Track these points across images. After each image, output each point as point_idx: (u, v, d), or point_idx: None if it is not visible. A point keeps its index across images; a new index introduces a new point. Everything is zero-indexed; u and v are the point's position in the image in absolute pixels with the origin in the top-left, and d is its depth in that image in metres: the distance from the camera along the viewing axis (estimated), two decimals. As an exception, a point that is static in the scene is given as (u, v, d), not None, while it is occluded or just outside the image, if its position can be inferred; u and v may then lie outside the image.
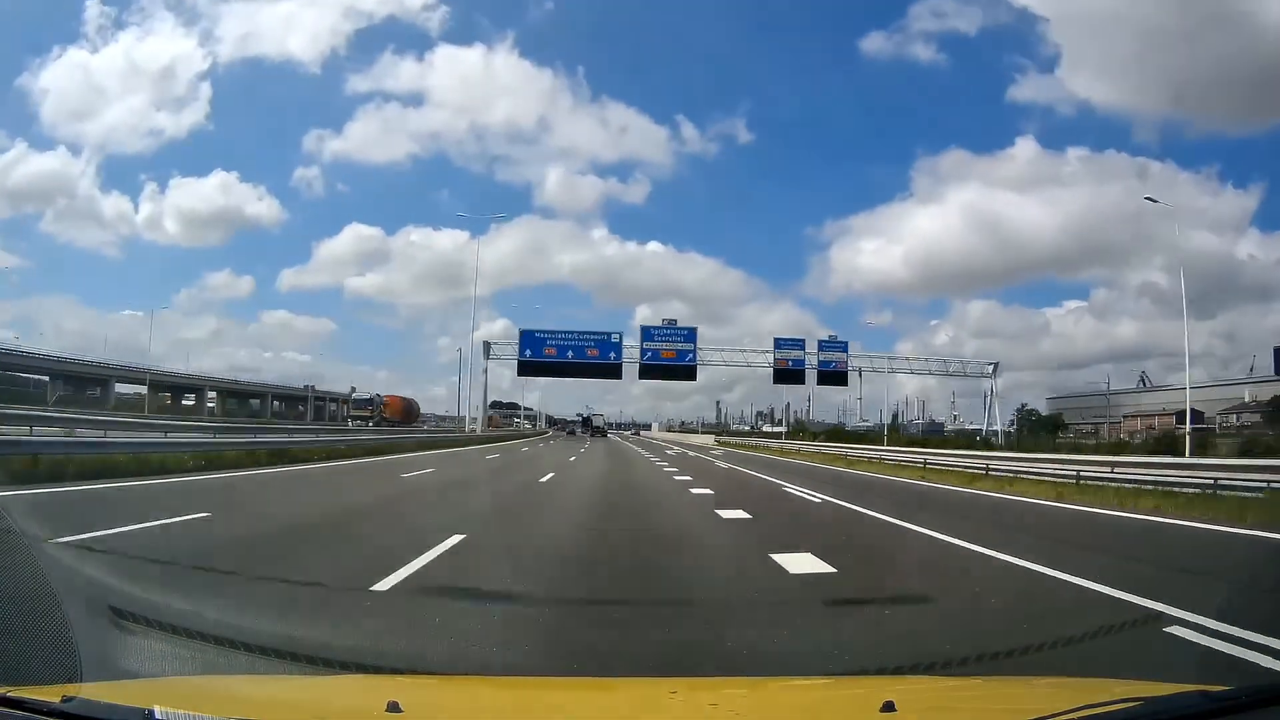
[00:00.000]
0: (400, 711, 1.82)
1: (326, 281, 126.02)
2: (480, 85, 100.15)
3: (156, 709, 1.66)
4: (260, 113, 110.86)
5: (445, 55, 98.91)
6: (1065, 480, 16.81)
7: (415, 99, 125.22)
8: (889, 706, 1.82)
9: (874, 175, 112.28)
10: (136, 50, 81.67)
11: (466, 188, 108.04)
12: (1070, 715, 1.69)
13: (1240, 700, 1.77)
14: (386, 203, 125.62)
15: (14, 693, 1.80)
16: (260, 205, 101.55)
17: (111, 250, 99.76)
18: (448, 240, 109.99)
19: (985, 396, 61.80)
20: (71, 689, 1.87)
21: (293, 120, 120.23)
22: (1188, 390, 38.16)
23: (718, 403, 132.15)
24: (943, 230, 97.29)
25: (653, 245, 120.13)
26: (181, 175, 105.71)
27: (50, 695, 1.78)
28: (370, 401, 71.31)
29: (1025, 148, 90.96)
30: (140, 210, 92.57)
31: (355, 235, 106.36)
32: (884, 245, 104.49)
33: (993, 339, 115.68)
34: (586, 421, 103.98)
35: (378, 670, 3.56)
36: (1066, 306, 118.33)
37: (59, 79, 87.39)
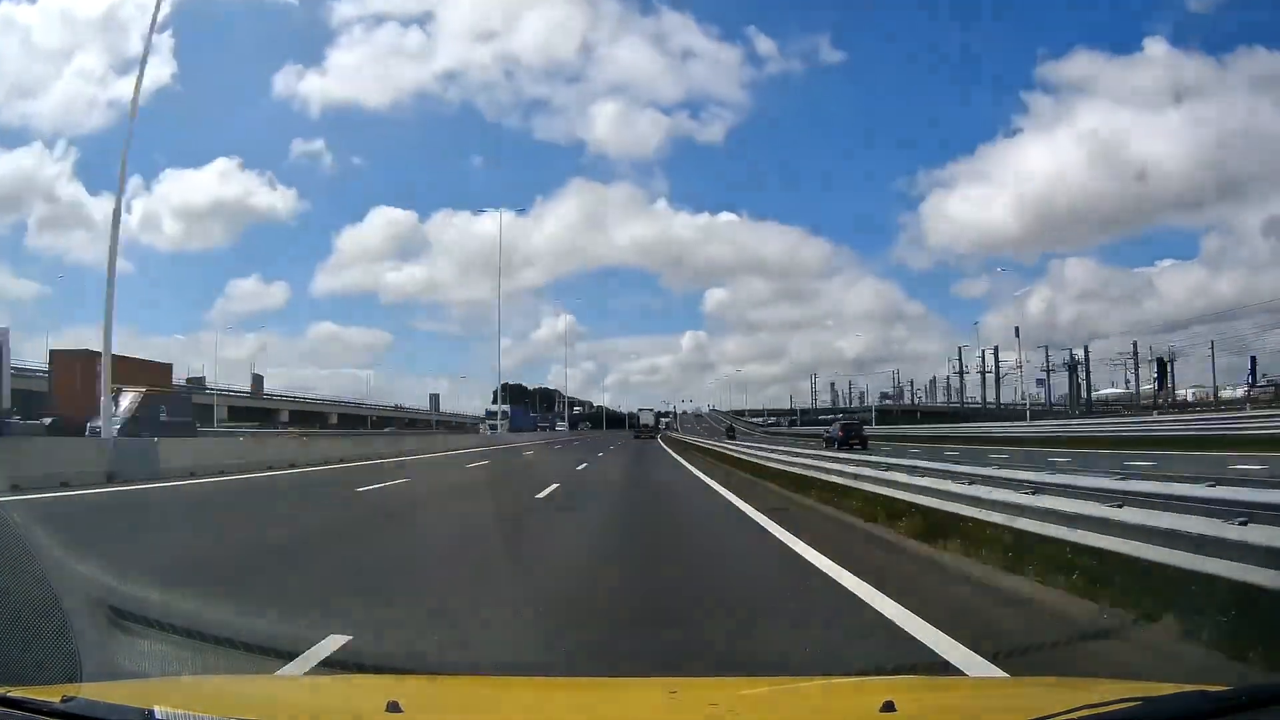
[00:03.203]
0: (400, 711, 1.82)
1: (360, 280, 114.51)
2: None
3: (156, 709, 1.65)
4: (234, 62, 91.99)
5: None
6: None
7: (420, 19, 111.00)
8: (889, 706, 1.82)
9: (975, 103, 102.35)
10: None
11: (501, 149, 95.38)
12: (1070, 715, 1.69)
13: (1240, 700, 1.76)
14: (411, 178, 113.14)
15: (14, 693, 1.80)
16: (273, 195, 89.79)
17: (119, 261, 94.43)
18: (489, 223, 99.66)
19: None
20: (71, 689, 1.86)
21: (271, 65, 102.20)
22: None
23: (845, 383, 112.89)
24: (1045, 170, 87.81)
25: (725, 215, 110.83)
26: (165, 159, 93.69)
27: (50, 695, 1.78)
28: None
29: (1154, 49, 80.00)
30: (132, 209, 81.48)
31: (385, 220, 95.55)
32: (983, 195, 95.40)
33: (1092, 302, 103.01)
34: (638, 422, 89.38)
35: (378, 670, 3.56)
36: (1160, 265, 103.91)
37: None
